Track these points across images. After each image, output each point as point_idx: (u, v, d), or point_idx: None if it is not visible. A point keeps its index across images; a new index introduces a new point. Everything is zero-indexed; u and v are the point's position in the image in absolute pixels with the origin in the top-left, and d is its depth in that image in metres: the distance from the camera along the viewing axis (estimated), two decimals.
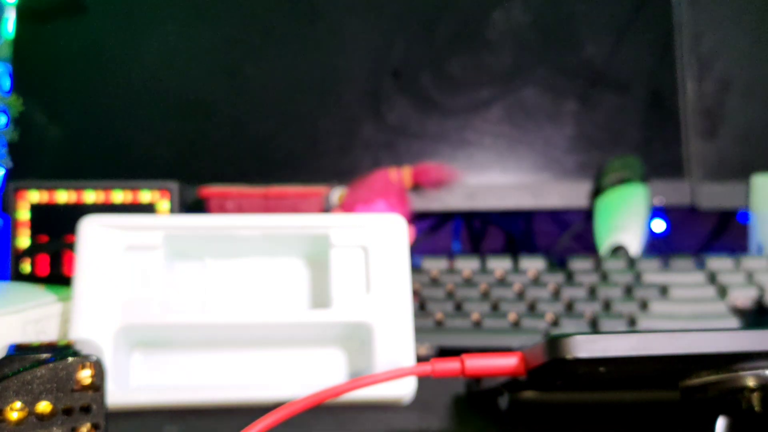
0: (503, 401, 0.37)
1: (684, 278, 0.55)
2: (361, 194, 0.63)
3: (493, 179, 0.70)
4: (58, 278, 0.58)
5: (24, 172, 0.66)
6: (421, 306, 0.52)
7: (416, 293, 0.53)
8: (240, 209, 0.62)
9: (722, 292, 0.53)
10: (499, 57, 0.71)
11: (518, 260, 0.56)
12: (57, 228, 0.59)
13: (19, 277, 0.59)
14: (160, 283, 0.42)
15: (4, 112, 0.59)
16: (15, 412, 0.32)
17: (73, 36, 0.70)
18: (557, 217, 0.81)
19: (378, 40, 0.71)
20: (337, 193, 0.63)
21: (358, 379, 0.33)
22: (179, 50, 0.71)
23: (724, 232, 0.78)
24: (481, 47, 0.71)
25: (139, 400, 0.39)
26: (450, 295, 0.53)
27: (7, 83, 0.69)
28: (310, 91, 0.70)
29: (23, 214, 0.59)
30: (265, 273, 0.45)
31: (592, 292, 0.53)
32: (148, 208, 0.59)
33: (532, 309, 0.52)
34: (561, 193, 0.70)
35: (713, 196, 0.70)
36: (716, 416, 0.33)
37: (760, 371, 0.31)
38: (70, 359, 0.33)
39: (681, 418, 0.37)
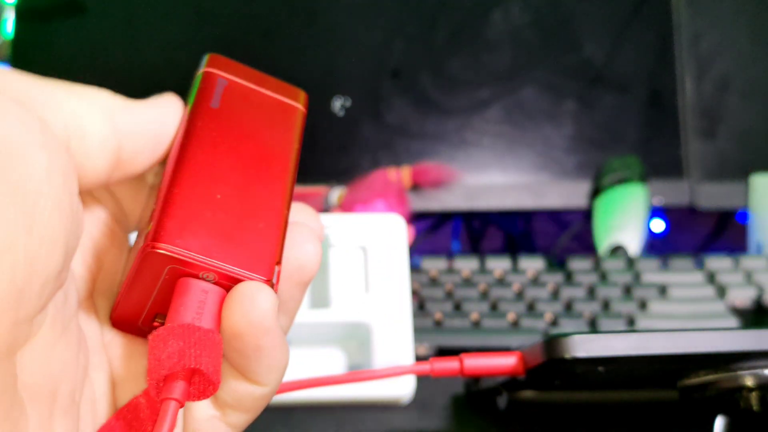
0: (502, 401, 0.37)
1: (683, 278, 0.55)
2: (360, 194, 0.63)
3: (493, 179, 0.70)
4: None
5: None
6: (420, 306, 0.52)
7: (415, 293, 0.53)
8: None
9: (721, 291, 0.54)
10: (498, 57, 0.71)
11: (517, 260, 0.56)
12: None
13: None
14: None
15: None
16: None
17: (73, 36, 0.70)
18: (557, 217, 0.81)
19: (378, 40, 0.71)
20: (336, 193, 0.63)
21: (356, 372, 0.33)
22: (179, 50, 0.71)
23: (724, 232, 0.78)
24: (481, 47, 0.71)
25: None
26: (449, 295, 0.53)
27: None
28: (309, 91, 0.70)
29: None
30: None
31: (591, 292, 0.53)
32: None
33: (531, 309, 0.52)
34: (561, 193, 0.70)
35: (712, 196, 0.70)
36: (715, 416, 0.33)
37: (758, 371, 0.31)
38: None
39: (679, 418, 0.37)
